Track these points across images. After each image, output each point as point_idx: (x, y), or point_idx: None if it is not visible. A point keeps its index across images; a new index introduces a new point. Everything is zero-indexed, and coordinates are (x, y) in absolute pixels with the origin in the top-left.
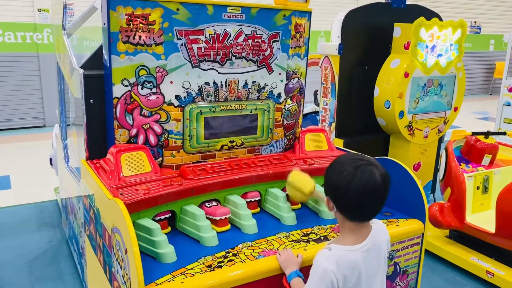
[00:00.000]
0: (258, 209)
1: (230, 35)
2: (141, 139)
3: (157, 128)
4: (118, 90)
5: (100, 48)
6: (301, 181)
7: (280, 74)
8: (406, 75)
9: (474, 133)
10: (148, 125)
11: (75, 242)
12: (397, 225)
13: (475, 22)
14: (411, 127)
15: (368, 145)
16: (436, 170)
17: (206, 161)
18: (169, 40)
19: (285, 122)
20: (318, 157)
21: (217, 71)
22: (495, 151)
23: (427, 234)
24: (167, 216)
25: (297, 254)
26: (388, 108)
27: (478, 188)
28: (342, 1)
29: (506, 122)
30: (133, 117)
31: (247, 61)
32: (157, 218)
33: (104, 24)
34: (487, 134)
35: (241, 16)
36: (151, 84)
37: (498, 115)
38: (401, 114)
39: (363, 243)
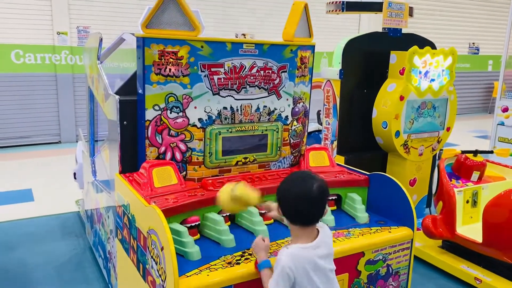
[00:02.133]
0: (272, 220)
1: (245, 67)
2: (168, 155)
3: (182, 146)
4: (150, 114)
5: (132, 77)
6: (248, 194)
7: (287, 99)
8: (401, 98)
9: (463, 152)
10: (174, 143)
11: (101, 249)
12: (389, 232)
13: (473, 43)
14: (407, 145)
15: (367, 162)
16: (431, 185)
17: (223, 175)
18: (194, 72)
19: (292, 141)
20: (321, 172)
21: (233, 97)
22: (483, 168)
23: (422, 245)
24: (197, 223)
25: (263, 238)
26: (385, 128)
27: (467, 202)
28: (343, 25)
29: (500, 140)
30: (162, 137)
31: (259, 88)
32: (188, 225)
33: (139, 58)
34: (475, 152)
35: (255, 51)
36: (178, 109)
37: (492, 134)
38: (397, 133)
39: (314, 243)
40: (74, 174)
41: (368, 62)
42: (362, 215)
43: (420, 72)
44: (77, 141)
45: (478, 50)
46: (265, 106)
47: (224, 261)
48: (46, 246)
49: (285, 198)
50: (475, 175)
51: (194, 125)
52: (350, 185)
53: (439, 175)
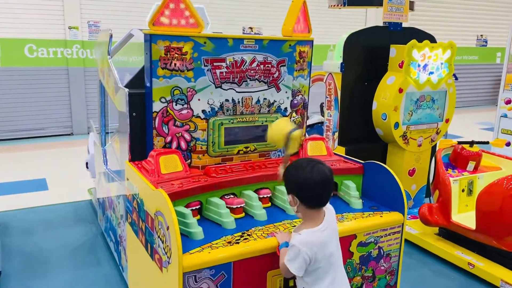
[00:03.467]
0: (270, 203)
1: (246, 62)
2: (174, 144)
3: (187, 136)
4: (157, 106)
5: (140, 71)
6: (296, 142)
7: (286, 92)
8: (400, 90)
9: (459, 142)
10: (180, 133)
11: (112, 233)
12: (381, 216)
13: (481, 35)
14: (406, 136)
15: (367, 153)
16: (429, 175)
17: (226, 163)
18: (198, 66)
19: None
20: None
21: (235, 90)
22: (479, 158)
23: (419, 232)
24: (197, 206)
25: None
26: (384, 119)
27: (463, 190)
28: (350, 18)
29: (503, 132)
30: (168, 127)
31: (259, 82)
32: (190, 208)
33: (146, 53)
34: (471, 143)
35: (255, 47)
36: (183, 101)
37: (495, 125)
38: (396, 125)
39: (322, 225)
40: (87, 164)
41: (368, 56)
42: (356, 201)
43: (419, 65)
44: (88, 133)
45: (486, 42)
46: (265, 99)
47: (225, 240)
48: (61, 231)
49: (305, 185)
50: (470, 165)
51: (198, 116)
52: (346, 173)
53: (435, 164)
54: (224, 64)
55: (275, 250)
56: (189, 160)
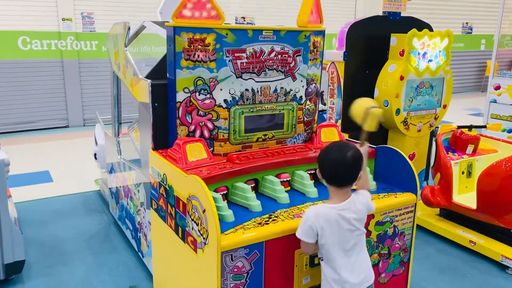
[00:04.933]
0: (289, 187)
1: (264, 52)
2: (197, 133)
3: (210, 125)
4: (180, 96)
5: (160, 62)
6: (374, 119)
7: (301, 81)
8: (401, 78)
9: (459, 127)
10: (203, 122)
11: (129, 221)
12: (395, 197)
13: (467, 23)
14: (406, 122)
15: (369, 138)
16: (429, 159)
17: (246, 150)
18: (220, 57)
19: (305, 119)
20: None
21: (254, 80)
22: (477, 141)
23: (421, 213)
24: (225, 191)
25: None
26: (386, 106)
27: (463, 173)
28: (340, 8)
29: (492, 117)
30: (191, 116)
31: (277, 71)
32: (218, 194)
33: (169, 45)
34: (470, 127)
35: (273, 37)
36: (205, 91)
37: (485, 110)
38: (398, 111)
39: (341, 204)
40: (95, 155)
41: (369, 45)
42: (370, 183)
43: (418, 54)
44: (84, 125)
45: (471, 29)
46: (282, 88)
47: (255, 222)
48: (73, 221)
49: (323, 163)
50: (469, 148)
51: (220, 106)
52: None
53: (437, 148)
54: (244, 55)
55: None
56: (212, 148)
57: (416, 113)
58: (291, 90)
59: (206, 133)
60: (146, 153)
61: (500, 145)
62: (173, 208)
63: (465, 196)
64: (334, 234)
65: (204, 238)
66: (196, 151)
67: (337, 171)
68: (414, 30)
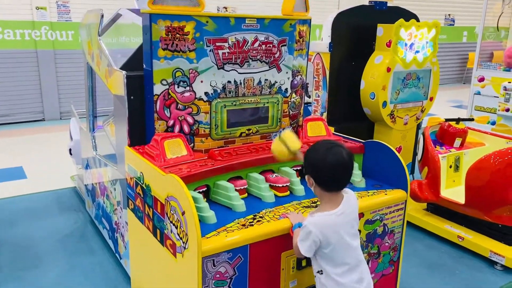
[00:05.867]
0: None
1: (248, 42)
2: (177, 128)
3: (189, 119)
4: (158, 88)
5: (136, 52)
6: (291, 140)
7: (287, 72)
8: (388, 69)
9: (447, 120)
10: (182, 117)
11: (105, 220)
12: (385, 194)
13: (449, 15)
14: (393, 115)
15: (355, 132)
16: (415, 153)
17: (228, 146)
18: (200, 47)
19: (291, 112)
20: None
21: (237, 71)
22: (465, 135)
23: (408, 208)
24: (204, 189)
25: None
26: (373, 99)
27: (450, 167)
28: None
29: (476, 109)
30: (170, 110)
31: (261, 62)
32: (197, 191)
33: (146, 34)
34: (457, 120)
35: (257, 26)
36: (185, 83)
37: (469, 103)
38: (384, 104)
39: (338, 209)
40: (70, 150)
41: (355, 35)
42: (359, 180)
43: (405, 44)
44: (61, 118)
45: (453, 21)
46: (266, 80)
47: (238, 223)
48: (47, 220)
49: (320, 167)
50: (457, 142)
51: (201, 99)
52: None
53: (424, 142)
54: (226, 44)
55: (289, 231)
56: (192, 144)
57: (403, 106)
58: (275, 82)
59: (186, 128)
60: (122, 149)
61: (487, 138)
62: (151, 209)
63: (453, 191)
64: (340, 242)
65: (183, 242)
66: (175, 148)
67: (337, 175)
68: (401, 20)
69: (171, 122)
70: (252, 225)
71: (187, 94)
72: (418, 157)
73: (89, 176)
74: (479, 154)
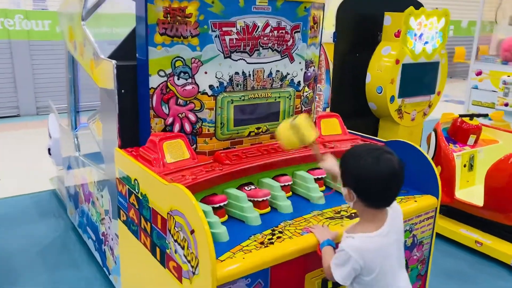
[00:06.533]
0: (291, 193)
1: (258, 27)
2: (176, 127)
3: (191, 117)
4: (154, 80)
5: (127, 39)
6: (307, 128)
7: (300, 63)
8: (397, 62)
9: (461, 116)
10: (183, 114)
11: (91, 230)
12: (415, 201)
13: (436, 8)
14: (400, 110)
15: (359, 128)
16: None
17: (235, 147)
18: (205, 32)
19: (303, 108)
20: (335, 140)
21: (245, 61)
22: (479, 131)
23: None
24: (224, 203)
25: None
26: (380, 93)
27: (465, 166)
28: None
29: (474, 104)
30: (169, 106)
31: (272, 51)
32: (216, 206)
33: (140, 16)
34: (471, 116)
35: (268, 8)
36: (186, 74)
37: (467, 97)
38: (392, 98)
39: (383, 229)
40: (49, 150)
41: (359, 25)
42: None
43: (415, 34)
44: (37, 114)
45: None
46: (277, 71)
47: (255, 240)
48: (24, 228)
49: (366, 179)
50: (471, 139)
51: (205, 93)
52: None
53: (436, 139)
54: (234, 29)
55: (314, 249)
56: (194, 145)
57: (411, 101)
58: (288, 74)
59: (187, 127)
60: (111, 151)
61: (500, 135)
62: (148, 223)
63: (467, 191)
64: (383, 269)
65: (192, 267)
66: (176, 150)
67: (388, 189)
68: (411, 8)
69: (170, 120)
70: (272, 242)
71: (188, 87)
72: (430, 155)
73: (71, 179)
74: (494, 152)
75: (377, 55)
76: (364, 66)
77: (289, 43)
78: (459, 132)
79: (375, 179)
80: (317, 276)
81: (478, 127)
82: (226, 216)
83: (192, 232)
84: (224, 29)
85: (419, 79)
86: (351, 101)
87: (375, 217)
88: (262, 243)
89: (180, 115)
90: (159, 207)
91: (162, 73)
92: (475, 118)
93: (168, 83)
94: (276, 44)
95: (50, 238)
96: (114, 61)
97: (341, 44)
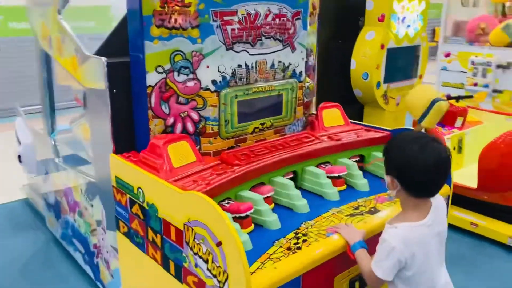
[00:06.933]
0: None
1: (260, 15)
2: (178, 128)
3: (194, 115)
4: (152, 78)
5: (116, 32)
6: (437, 115)
7: (301, 52)
8: (382, 46)
9: (448, 98)
10: (185, 113)
11: (79, 242)
12: None
13: None
14: (386, 96)
15: None
16: None
17: (239, 145)
18: (205, 22)
19: (305, 100)
20: (338, 132)
21: (248, 52)
22: (466, 113)
23: None
24: (251, 211)
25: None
26: (366, 79)
27: (454, 148)
28: None
29: (443, 85)
30: (169, 105)
31: (275, 40)
32: (243, 215)
33: (133, 7)
34: (458, 98)
35: None
36: (187, 69)
37: (436, 79)
38: (378, 84)
39: (427, 219)
40: (19, 157)
41: (341, 10)
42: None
43: (398, 18)
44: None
45: None
46: (279, 62)
47: (281, 246)
48: (0, 242)
49: (412, 168)
50: (459, 121)
51: (207, 89)
52: (373, 143)
53: None
54: (235, 19)
55: (343, 251)
56: (198, 146)
57: (396, 85)
58: (289, 64)
59: (190, 127)
60: (102, 158)
61: (484, 116)
62: (158, 235)
63: (457, 174)
64: (425, 262)
65: (220, 281)
66: (182, 153)
67: (436, 178)
68: None
69: (170, 120)
70: (300, 247)
71: (190, 83)
72: None
73: (50, 187)
74: (481, 133)
75: (361, 40)
76: (347, 52)
77: (290, 31)
78: (446, 114)
79: (422, 168)
80: (345, 278)
81: (465, 109)
82: (253, 226)
83: (219, 244)
84: (225, 18)
85: (403, 63)
86: (335, 88)
87: (418, 207)
88: (289, 249)
89: (182, 114)
90: (172, 217)
91: (160, 70)
92: (461, 100)
93: (168, 80)
94: (278, 33)
95: (30, 252)
96: (104, 58)
97: (325, 30)
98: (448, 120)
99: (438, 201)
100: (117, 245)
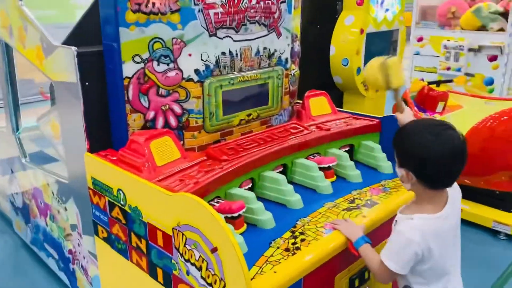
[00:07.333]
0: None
1: None
2: (160, 122)
3: (176, 108)
4: (129, 68)
5: (84, 20)
6: (396, 72)
7: (287, 37)
8: (362, 31)
9: (429, 83)
10: (167, 106)
11: (51, 247)
12: None
13: None
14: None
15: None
16: None
17: (225, 139)
18: (186, 6)
19: (291, 88)
20: (326, 121)
21: (232, 39)
22: (447, 98)
23: None
24: (243, 210)
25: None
26: (346, 65)
27: None
28: None
29: (416, 70)
30: (149, 98)
31: (260, 25)
32: (235, 215)
33: None
34: (438, 83)
35: None
36: (167, 58)
37: (409, 63)
38: (358, 70)
39: (444, 211)
40: None
41: None
42: (385, 164)
43: (377, 2)
44: None
45: None
46: (265, 48)
47: (278, 247)
48: None
49: (428, 159)
50: (440, 106)
51: (190, 79)
52: (363, 132)
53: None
54: (218, 2)
55: (344, 248)
56: (182, 141)
57: None
58: (275, 50)
59: (172, 121)
60: (75, 157)
61: (463, 100)
62: (143, 240)
63: None
64: (441, 255)
65: None
66: (165, 150)
67: (453, 168)
68: None
69: (151, 115)
70: (299, 248)
71: (171, 73)
72: None
73: (16, 189)
74: (461, 117)
75: (340, 25)
76: (328, 38)
77: (275, 15)
78: (427, 99)
79: (439, 158)
80: (345, 276)
81: (445, 93)
82: (245, 226)
83: (214, 250)
84: (207, 1)
85: (382, 48)
86: (313, 75)
87: (434, 198)
88: (287, 250)
89: (163, 107)
90: (159, 221)
91: (138, 59)
92: (441, 84)
93: (146, 70)
94: (263, 17)
95: None
96: (74, 48)
97: (302, 15)
98: (429, 105)
99: (455, 189)
100: (95, 251)
